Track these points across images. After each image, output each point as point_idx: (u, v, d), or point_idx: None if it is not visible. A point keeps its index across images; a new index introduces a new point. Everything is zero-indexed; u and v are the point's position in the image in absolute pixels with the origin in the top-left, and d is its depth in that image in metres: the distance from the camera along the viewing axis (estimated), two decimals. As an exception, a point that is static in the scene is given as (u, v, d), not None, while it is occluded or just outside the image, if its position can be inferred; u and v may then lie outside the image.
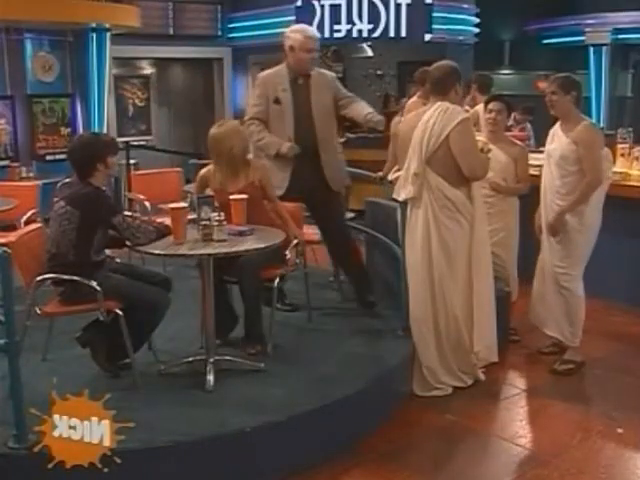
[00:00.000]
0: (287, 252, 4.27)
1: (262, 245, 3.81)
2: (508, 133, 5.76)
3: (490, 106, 4.97)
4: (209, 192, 4.28)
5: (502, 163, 4.86)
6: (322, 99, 4.71)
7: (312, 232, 5.17)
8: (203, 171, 4.47)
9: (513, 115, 7.20)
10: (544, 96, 4.57)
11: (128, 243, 3.81)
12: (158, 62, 11.86)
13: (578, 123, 4.46)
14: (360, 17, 8.97)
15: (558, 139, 4.55)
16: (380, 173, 5.84)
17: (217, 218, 3.80)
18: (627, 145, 6.20)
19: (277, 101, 4.71)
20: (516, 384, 4.66)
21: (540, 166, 4.87)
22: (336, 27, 8.96)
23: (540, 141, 7.00)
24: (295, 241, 4.32)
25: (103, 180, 3.90)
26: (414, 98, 6.22)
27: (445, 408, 4.17)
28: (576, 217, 4.47)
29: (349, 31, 9.06)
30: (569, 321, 4.63)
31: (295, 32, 4.83)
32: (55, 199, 3.92)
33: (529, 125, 7.95)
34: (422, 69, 5.73)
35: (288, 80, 4.74)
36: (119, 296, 3.78)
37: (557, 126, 4.61)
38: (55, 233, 3.80)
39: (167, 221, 3.98)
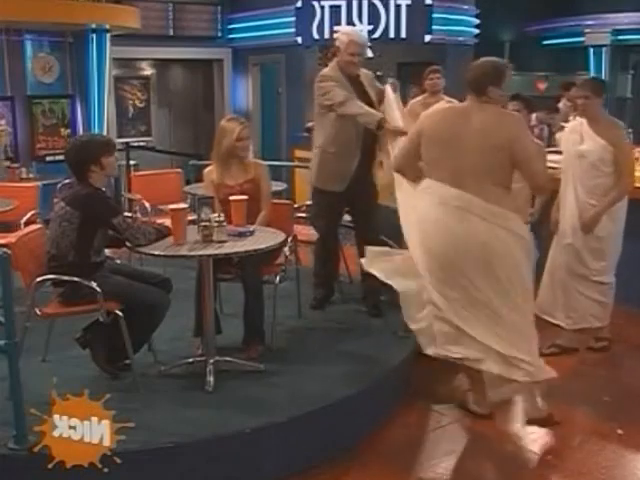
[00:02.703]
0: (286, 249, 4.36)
1: (262, 246, 3.81)
2: None
3: (510, 106, 4.97)
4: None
5: None
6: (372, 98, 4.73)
7: (309, 232, 5.18)
8: (208, 168, 4.57)
9: (535, 115, 7.18)
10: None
11: (128, 244, 3.82)
12: (158, 63, 11.86)
13: (611, 125, 4.64)
14: (360, 18, 8.98)
15: (591, 140, 4.62)
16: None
17: (217, 219, 3.81)
18: (627, 146, 6.20)
19: None
20: (516, 385, 4.65)
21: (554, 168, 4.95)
22: (336, 28, 8.95)
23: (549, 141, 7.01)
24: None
25: (101, 181, 3.90)
26: (419, 98, 6.26)
27: (445, 409, 4.17)
28: (607, 214, 4.65)
29: (349, 32, 9.07)
30: (602, 305, 4.83)
31: (342, 34, 4.81)
32: (55, 200, 3.92)
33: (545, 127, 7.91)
34: (431, 68, 5.82)
35: (346, 81, 4.70)
36: (119, 297, 3.78)
37: (584, 126, 4.68)
38: (55, 234, 3.80)
39: (167, 222, 3.99)
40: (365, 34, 5.23)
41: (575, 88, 4.86)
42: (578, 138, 4.71)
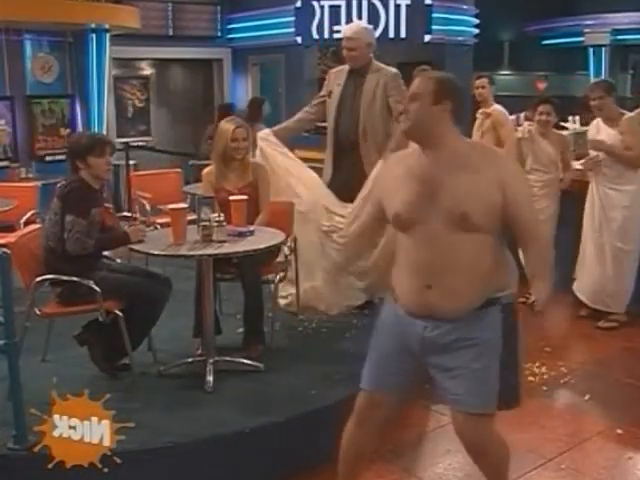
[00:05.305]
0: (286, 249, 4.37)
1: (262, 246, 3.82)
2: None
3: (540, 108, 5.51)
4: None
5: (551, 154, 5.54)
6: (371, 94, 4.87)
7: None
8: (207, 169, 4.54)
9: (524, 114, 7.22)
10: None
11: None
12: (157, 63, 11.85)
13: (621, 116, 5.15)
14: (360, 18, 8.97)
15: (604, 131, 5.19)
16: None
17: (217, 219, 3.81)
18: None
19: (329, 94, 5.05)
20: (516, 385, 4.65)
21: None
22: (336, 28, 8.95)
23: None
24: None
25: (92, 179, 3.89)
26: None
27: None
28: (624, 195, 5.17)
29: (349, 32, 9.07)
30: (617, 284, 5.30)
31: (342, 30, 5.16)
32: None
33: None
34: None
35: (346, 75, 5.01)
36: (118, 293, 3.78)
37: (600, 121, 5.25)
38: (47, 227, 3.86)
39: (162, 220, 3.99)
40: (355, 25, 5.42)
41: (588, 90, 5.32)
42: (595, 131, 5.31)
